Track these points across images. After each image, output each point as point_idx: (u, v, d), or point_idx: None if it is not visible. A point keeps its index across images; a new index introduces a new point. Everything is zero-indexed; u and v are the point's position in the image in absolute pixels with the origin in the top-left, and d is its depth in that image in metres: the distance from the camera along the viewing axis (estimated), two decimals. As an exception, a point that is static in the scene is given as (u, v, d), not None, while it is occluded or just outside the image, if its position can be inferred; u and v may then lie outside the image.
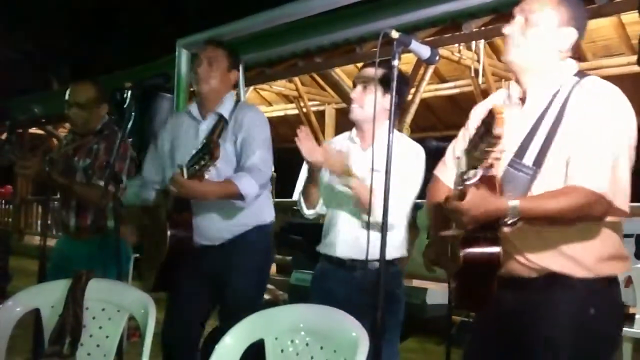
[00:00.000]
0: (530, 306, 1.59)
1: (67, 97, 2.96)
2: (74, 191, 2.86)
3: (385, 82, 2.21)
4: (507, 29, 1.64)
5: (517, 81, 1.68)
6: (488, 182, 1.49)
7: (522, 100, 1.66)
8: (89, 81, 3.03)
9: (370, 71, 2.26)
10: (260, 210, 2.53)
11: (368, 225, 2.05)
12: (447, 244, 1.68)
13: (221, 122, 2.47)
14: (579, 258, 1.56)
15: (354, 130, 2.38)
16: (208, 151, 2.10)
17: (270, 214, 2.62)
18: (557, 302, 1.56)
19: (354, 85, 2.34)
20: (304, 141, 2.13)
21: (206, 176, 2.16)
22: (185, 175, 2.16)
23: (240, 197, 2.34)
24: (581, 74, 1.63)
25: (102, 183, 2.79)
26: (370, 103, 2.16)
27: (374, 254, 2.06)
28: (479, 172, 1.43)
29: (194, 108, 2.60)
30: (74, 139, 3.04)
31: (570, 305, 1.55)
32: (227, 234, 2.49)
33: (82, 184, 2.86)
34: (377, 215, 2.04)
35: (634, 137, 1.54)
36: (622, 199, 1.50)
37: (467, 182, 1.44)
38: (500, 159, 1.48)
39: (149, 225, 2.56)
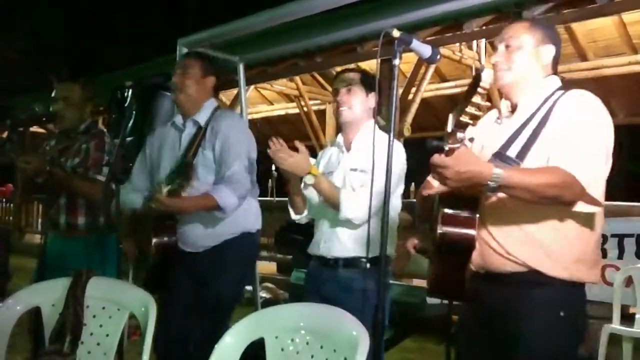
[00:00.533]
0: (506, 302, 1.69)
1: (53, 94, 3.02)
2: (74, 187, 2.86)
3: (366, 83, 2.33)
4: (493, 58, 1.82)
5: (508, 99, 1.84)
6: None
7: (512, 111, 1.81)
8: (74, 80, 3.09)
9: (351, 74, 2.38)
10: (245, 218, 2.58)
11: (340, 223, 2.12)
12: (433, 231, 1.74)
13: (200, 131, 2.55)
14: (555, 254, 1.65)
15: (339, 134, 2.46)
16: (182, 173, 2.26)
17: (256, 222, 2.67)
18: (531, 299, 1.66)
19: (336, 91, 2.39)
20: (275, 150, 2.17)
21: (184, 194, 2.29)
22: (164, 192, 2.26)
23: (220, 209, 2.40)
24: (565, 87, 1.78)
25: (100, 177, 2.82)
26: (356, 104, 2.32)
27: (350, 251, 2.25)
28: (466, 131, 1.51)
29: (178, 117, 2.68)
30: (59, 140, 3.06)
31: (543, 303, 1.66)
32: (210, 241, 2.55)
33: (83, 179, 2.86)
34: (345, 212, 2.17)
35: (611, 142, 1.67)
36: (596, 190, 1.61)
37: (452, 144, 1.50)
38: (483, 108, 1.56)
39: (139, 230, 2.62)
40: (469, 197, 1.63)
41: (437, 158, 1.52)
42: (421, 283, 4.91)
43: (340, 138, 2.44)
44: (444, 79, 8.47)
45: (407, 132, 6.44)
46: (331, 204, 2.22)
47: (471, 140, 1.58)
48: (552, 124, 1.67)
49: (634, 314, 3.71)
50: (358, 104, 2.33)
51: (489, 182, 1.52)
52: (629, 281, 3.79)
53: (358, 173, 2.26)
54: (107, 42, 17.43)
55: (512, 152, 1.69)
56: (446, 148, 1.52)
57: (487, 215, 1.69)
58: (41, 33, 17.27)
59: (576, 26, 6.55)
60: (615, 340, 3.53)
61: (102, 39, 17.44)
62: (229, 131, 2.51)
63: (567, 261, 1.66)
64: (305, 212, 2.42)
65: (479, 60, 7.14)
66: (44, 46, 17.19)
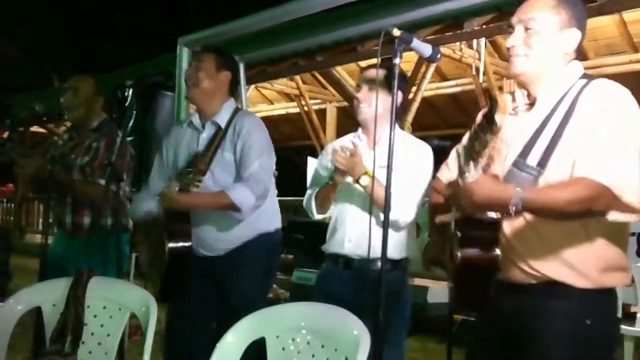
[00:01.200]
0: (528, 313, 1.57)
1: (65, 85, 3.00)
2: (75, 189, 2.85)
3: (388, 82, 2.23)
4: (509, 41, 1.60)
5: (525, 89, 1.65)
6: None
7: (530, 105, 1.63)
8: (86, 74, 3.05)
9: (374, 72, 2.29)
10: (262, 219, 2.49)
11: (377, 222, 2.07)
12: (446, 243, 1.67)
13: (220, 132, 2.46)
14: (580, 267, 1.53)
15: (359, 129, 2.38)
16: (193, 165, 2.17)
17: (275, 222, 2.59)
18: (555, 310, 1.54)
19: (358, 87, 2.34)
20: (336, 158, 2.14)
21: (194, 189, 2.21)
22: (175, 188, 2.21)
23: (235, 207, 2.32)
24: (588, 76, 1.61)
25: (102, 182, 2.79)
26: (378, 102, 2.20)
27: (378, 252, 2.10)
28: (479, 166, 1.41)
29: (195, 117, 2.58)
30: (72, 137, 3.04)
31: (567, 314, 1.53)
32: (228, 244, 2.47)
33: (83, 182, 2.85)
34: (392, 214, 2.06)
35: None
36: (633, 195, 1.44)
37: (467, 175, 1.42)
38: (499, 150, 1.46)
39: (153, 235, 2.55)
40: (489, 219, 1.51)
41: (454, 188, 1.45)
42: (422, 282, 4.91)
43: (361, 133, 2.36)
44: (444, 78, 8.47)
45: (407, 131, 6.44)
46: (381, 205, 2.10)
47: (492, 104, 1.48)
48: (575, 121, 1.50)
49: (635, 313, 3.71)
50: (379, 102, 2.21)
51: (510, 207, 1.41)
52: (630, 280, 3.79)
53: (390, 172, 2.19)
54: (108, 40, 17.43)
55: (532, 158, 1.53)
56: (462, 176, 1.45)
57: (510, 235, 1.56)
58: (42, 31, 17.28)
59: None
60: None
61: (103, 38, 17.45)
62: (251, 132, 2.44)
63: (593, 273, 1.53)
64: (328, 214, 2.35)
65: (479, 59, 7.14)
66: (45, 45, 17.20)
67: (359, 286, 2.20)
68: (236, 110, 2.55)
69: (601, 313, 1.56)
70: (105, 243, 2.86)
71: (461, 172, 1.45)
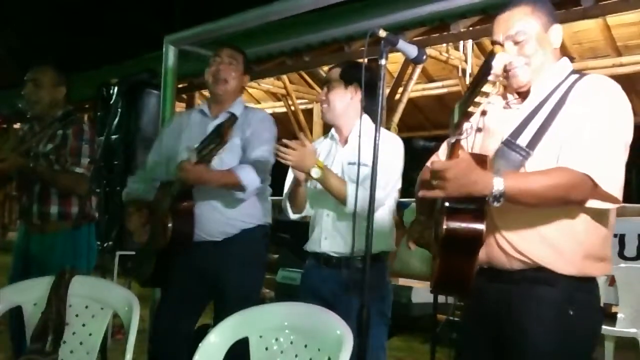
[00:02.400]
0: (512, 303, 1.60)
1: (25, 77, 2.94)
2: (56, 181, 2.80)
3: (345, 79, 2.30)
4: (506, 59, 1.61)
5: (520, 89, 1.69)
6: (479, 159, 1.48)
7: (522, 98, 1.69)
8: (47, 66, 3.00)
9: (332, 73, 2.37)
10: (261, 210, 2.55)
11: (346, 217, 2.08)
12: (431, 221, 1.69)
13: (232, 118, 2.43)
14: (563, 251, 1.56)
15: (332, 129, 2.43)
16: (218, 135, 2.16)
17: (269, 217, 2.63)
18: (538, 299, 1.57)
19: (322, 89, 2.38)
20: (280, 147, 2.14)
21: (213, 162, 2.26)
22: (194, 159, 2.21)
23: (241, 187, 2.36)
24: (579, 72, 1.66)
25: (78, 170, 2.76)
26: (335, 101, 2.30)
27: (359, 247, 2.08)
28: (469, 126, 1.44)
29: (204, 106, 2.65)
30: (32, 127, 2.99)
31: (550, 304, 1.56)
32: (227, 228, 2.48)
33: (64, 173, 2.80)
34: (352, 206, 2.08)
35: (630, 134, 1.55)
36: (614, 185, 1.48)
37: (459, 135, 1.44)
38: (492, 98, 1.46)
39: (147, 219, 2.55)
40: (478, 197, 1.49)
41: (437, 164, 1.44)
42: (407, 282, 4.92)
43: (334, 132, 2.41)
44: (430, 80, 8.52)
45: (394, 132, 6.46)
46: (338, 197, 2.18)
47: (479, 130, 1.53)
48: (566, 111, 1.55)
49: (616, 313, 3.75)
50: (337, 100, 2.30)
51: (490, 193, 1.42)
52: (612, 281, 3.83)
53: (359, 167, 2.20)
54: (93, 38, 17.28)
55: (522, 140, 1.57)
56: (453, 140, 1.46)
57: (494, 211, 1.55)
58: (27, 30, 17.09)
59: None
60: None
61: (88, 35, 17.29)
62: (261, 121, 2.53)
63: (576, 258, 1.56)
64: (305, 212, 2.37)
65: (466, 60, 7.18)
66: (30, 43, 17.01)
67: (339, 283, 2.22)
68: (246, 107, 2.64)
69: (584, 304, 1.58)
70: (75, 237, 2.82)
71: (455, 128, 1.46)
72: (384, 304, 2.26)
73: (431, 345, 3.14)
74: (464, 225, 1.48)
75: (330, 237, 2.27)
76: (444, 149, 1.87)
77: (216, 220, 2.47)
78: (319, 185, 2.24)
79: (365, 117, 2.28)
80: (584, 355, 1.60)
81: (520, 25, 1.62)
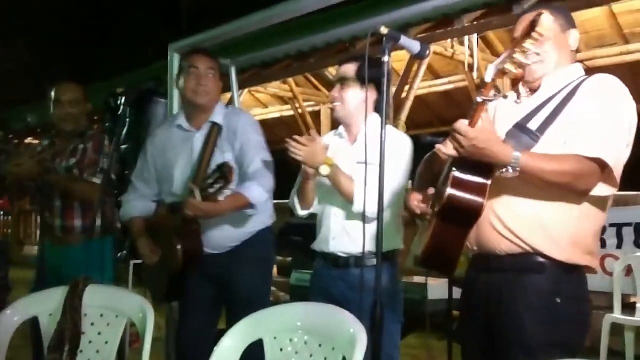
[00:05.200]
0: (502, 290, 1.66)
1: (55, 96, 2.94)
2: (69, 189, 2.83)
3: (361, 77, 2.23)
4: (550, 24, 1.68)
5: (531, 85, 1.76)
6: None
7: (533, 92, 1.75)
8: (72, 82, 3.03)
9: (346, 69, 2.30)
10: (263, 213, 2.53)
11: (354, 217, 2.08)
12: (436, 195, 1.71)
13: (215, 130, 2.45)
14: (552, 232, 1.62)
15: (340, 126, 2.40)
16: (222, 176, 2.16)
17: (272, 215, 2.63)
18: (526, 287, 1.63)
19: (333, 86, 2.35)
20: (291, 143, 2.14)
21: (220, 198, 2.23)
22: (199, 197, 2.19)
23: (251, 206, 2.36)
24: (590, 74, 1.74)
25: (95, 180, 2.79)
26: (350, 99, 2.25)
27: (360, 247, 2.08)
28: (500, 93, 1.47)
29: (181, 120, 2.56)
30: (53, 143, 3.02)
31: (538, 291, 1.62)
32: (234, 241, 2.50)
33: (78, 181, 2.83)
34: (359, 205, 2.10)
35: (634, 127, 1.63)
36: (619, 169, 1.59)
37: (486, 97, 1.46)
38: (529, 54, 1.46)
39: (153, 236, 2.55)
40: (485, 163, 1.54)
41: (460, 125, 1.48)
42: (422, 280, 4.90)
43: (342, 130, 2.38)
44: (437, 76, 8.49)
45: (401, 130, 6.45)
46: (345, 196, 2.17)
47: (505, 97, 1.55)
48: (575, 102, 1.63)
49: (634, 303, 3.71)
50: (352, 99, 2.25)
51: (509, 163, 1.50)
52: (628, 270, 3.79)
53: (368, 166, 2.19)
54: (101, 50, 17.43)
55: (533, 125, 1.66)
56: (480, 100, 1.47)
57: (492, 189, 1.61)
58: (37, 44, 17.27)
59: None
60: (617, 329, 3.53)
61: (97, 47, 17.45)
62: (247, 129, 2.48)
63: (564, 243, 1.62)
64: (312, 208, 2.35)
65: (472, 55, 7.14)
66: (40, 57, 17.19)
67: (349, 283, 2.22)
68: (226, 108, 2.58)
69: (570, 294, 1.64)
70: (101, 249, 2.85)
71: (485, 86, 1.48)
72: (396, 302, 2.26)
73: (447, 343, 3.13)
74: (466, 195, 1.53)
75: (338, 237, 2.26)
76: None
77: (223, 237, 2.49)
78: (328, 183, 2.23)
79: (375, 115, 2.27)
80: (573, 344, 1.63)
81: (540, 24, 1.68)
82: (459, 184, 1.54)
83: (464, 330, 1.85)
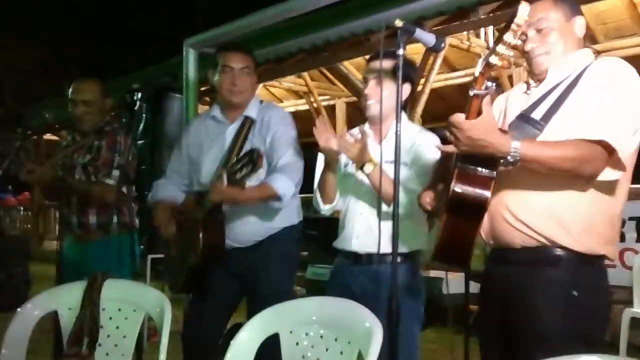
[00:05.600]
0: (519, 284, 1.64)
1: (71, 95, 2.95)
2: (86, 192, 2.87)
3: (396, 73, 2.10)
4: (527, 46, 1.70)
5: (539, 74, 1.74)
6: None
7: (540, 82, 1.73)
8: (91, 78, 3.02)
9: (378, 64, 2.18)
10: (290, 211, 2.53)
11: (384, 216, 2.04)
12: (443, 192, 1.72)
13: (247, 123, 2.44)
14: (565, 221, 1.59)
15: (366, 124, 2.35)
16: (251, 160, 2.13)
17: (299, 215, 2.62)
18: (543, 279, 1.61)
19: (365, 80, 2.29)
20: (321, 130, 2.11)
21: (247, 184, 2.21)
22: (225, 182, 2.18)
23: (278, 198, 2.34)
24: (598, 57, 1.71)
25: (109, 181, 2.81)
26: (385, 96, 2.11)
27: (385, 247, 2.05)
28: (491, 84, 1.47)
29: (216, 112, 2.57)
30: (74, 139, 3.05)
31: (555, 283, 1.60)
32: (259, 236, 2.49)
33: (93, 184, 2.86)
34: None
35: None
36: (626, 150, 1.54)
37: (478, 90, 1.45)
38: (519, 49, 1.47)
39: (177, 226, 2.55)
40: (488, 156, 1.53)
41: (455, 117, 1.48)
42: (438, 274, 4.89)
43: (367, 127, 2.32)
44: (453, 69, 8.42)
45: (417, 123, 6.42)
46: (383, 195, 2.08)
47: (497, 86, 1.54)
48: (579, 88, 1.60)
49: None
50: (388, 97, 2.11)
51: (507, 153, 1.47)
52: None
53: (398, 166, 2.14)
54: (116, 47, 17.55)
55: (537, 114, 1.64)
56: (471, 93, 1.47)
57: (501, 182, 1.61)
58: (54, 42, 17.44)
59: (585, 9, 6.47)
60: (636, 324, 3.48)
61: (111, 44, 17.57)
62: (279, 123, 2.46)
63: (578, 231, 1.59)
64: (334, 203, 2.32)
65: (487, 47, 7.08)
66: (57, 55, 17.36)
67: (370, 281, 2.20)
68: (261, 102, 2.57)
69: (587, 285, 1.61)
70: (119, 245, 2.87)
71: (475, 80, 1.49)
72: (416, 301, 2.24)
73: (464, 337, 3.12)
74: (470, 189, 1.53)
75: (362, 236, 2.23)
76: None
77: (247, 231, 2.48)
78: (353, 178, 2.23)
79: (404, 114, 2.20)
80: (592, 336, 1.60)
81: (542, 14, 1.68)
82: (463, 178, 1.54)
83: (482, 323, 1.84)
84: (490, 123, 1.49)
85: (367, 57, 5.21)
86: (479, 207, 1.54)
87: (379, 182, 2.04)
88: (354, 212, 2.28)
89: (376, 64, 2.21)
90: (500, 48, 1.43)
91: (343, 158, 2.26)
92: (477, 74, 1.48)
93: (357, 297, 2.13)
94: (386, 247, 2.00)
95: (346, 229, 2.30)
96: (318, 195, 2.32)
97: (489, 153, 1.49)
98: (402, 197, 2.01)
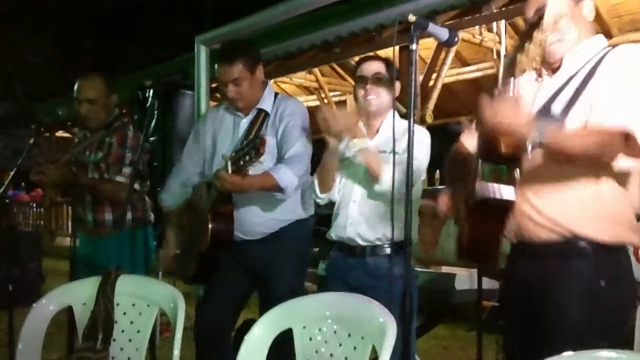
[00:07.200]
0: (542, 278, 1.63)
1: (75, 94, 2.95)
2: (97, 190, 2.88)
3: (390, 72, 2.34)
4: (539, 36, 1.67)
5: (552, 62, 1.72)
6: None
7: (554, 70, 1.72)
8: (95, 75, 3.00)
9: (377, 63, 2.38)
10: (300, 204, 2.55)
11: (377, 205, 2.11)
12: (462, 190, 1.71)
13: (261, 115, 2.48)
14: (589, 211, 1.59)
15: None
16: (254, 147, 2.15)
17: (309, 209, 2.63)
18: (569, 272, 1.60)
19: (362, 79, 2.36)
20: (321, 116, 2.17)
21: (250, 171, 2.23)
22: (229, 170, 2.20)
23: (280, 189, 2.35)
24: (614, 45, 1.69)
25: (119, 178, 2.81)
26: (384, 93, 2.32)
27: (377, 233, 2.25)
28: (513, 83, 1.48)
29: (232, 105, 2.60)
30: (86, 135, 3.06)
31: (581, 275, 1.59)
32: (267, 228, 2.50)
33: (104, 182, 2.87)
34: (386, 185, 2.13)
35: None
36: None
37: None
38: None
39: (189, 217, 2.58)
40: (511, 156, 1.53)
41: (485, 100, 1.49)
42: (450, 270, 4.87)
43: (362, 125, 2.38)
44: (465, 64, 8.36)
45: (429, 119, 6.38)
46: (373, 174, 2.20)
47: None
48: (598, 77, 1.59)
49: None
50: (386, 93, 2.33)
51: (529, 141, 1.48)
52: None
53: (388, 155, 2.22)
54: (127, 43, 17.63)
55: (556, 107, 1.62)
56: (496, 93, 1.49)
57: (524, 180, 1.62)
58: (64, 38, 17.55)
59: (599, 2, 6.40)
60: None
61: (122, 41, 17.65)
62: (293, 113, 2.49)
63: (601, 218, 1.59)
64: (331, 193, 2.36)
65: (500, 42, 7.02)
66: (67, 51, 17.46)
67: (366, 271, 2.26)
68: (276, 95, 2.59)
69: (614, 276, 1.61)
70: (133, 239, 2.89)
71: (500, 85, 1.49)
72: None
73: (477, 333, 3.10)
74: (495, 189, 1.52)
75: (355, 223, 2.29)
76: (468, 132, 1.87)
77: (256, 223, 2.50)
78: (350, 160, 2.29)
79: (393, 111, 2.29)
80: (616, 327, 1.61)
81: (551, 2, 1.64)
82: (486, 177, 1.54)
83: (505, 320, 1.82)
84: (516, 106, 1.50)
85: (379, 52, 5.19)
86: (505, 208, 1.55)
87: (370, 159, 2.18)
88: (347, 200, 2.34)
89: (373, 66, 2.36)
90: (532, 47, 1.46)
91: (341, 145, 2.30)
92: (501, 77, 1.51)
93: (355, 289, 2.15)
94: (377, 234, 2.23)
95: (340, 217, 2.36)
96: (316, 182, 2.37)
97: (518, 133, 1.48)
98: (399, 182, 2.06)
